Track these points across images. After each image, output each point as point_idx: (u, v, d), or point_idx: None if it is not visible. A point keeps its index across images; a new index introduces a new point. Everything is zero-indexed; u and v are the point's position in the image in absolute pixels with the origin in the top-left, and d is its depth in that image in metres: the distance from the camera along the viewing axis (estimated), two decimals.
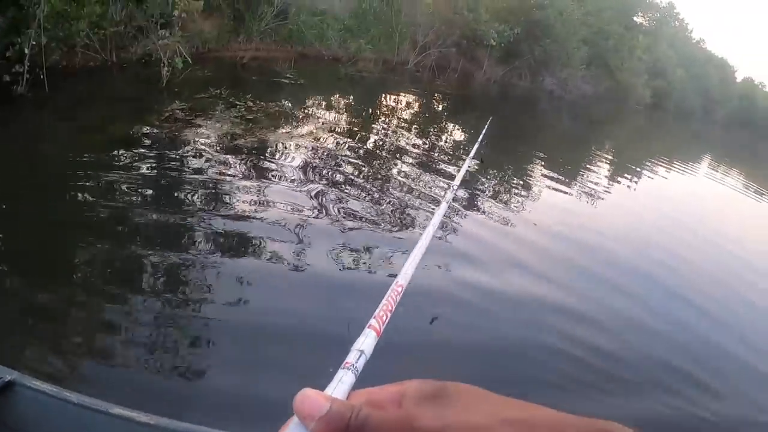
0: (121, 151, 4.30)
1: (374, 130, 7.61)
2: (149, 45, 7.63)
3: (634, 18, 37.31)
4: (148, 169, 4.09)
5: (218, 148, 4.96)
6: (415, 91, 11.53)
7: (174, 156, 4.49)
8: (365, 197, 4.72)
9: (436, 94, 11.79)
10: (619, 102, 22.98)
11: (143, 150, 4.45)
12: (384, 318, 0.41)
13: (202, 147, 4.88)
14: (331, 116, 7.79)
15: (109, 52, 7.29)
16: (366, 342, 0.38)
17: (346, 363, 0.36)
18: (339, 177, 5.06)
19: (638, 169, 11.94)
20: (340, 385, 0.33)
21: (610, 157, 12.51)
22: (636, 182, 10.66)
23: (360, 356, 0.36)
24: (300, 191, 4.40)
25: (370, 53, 12.06)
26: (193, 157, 4.58)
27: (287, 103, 7.60)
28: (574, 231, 5.85)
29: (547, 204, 6.56)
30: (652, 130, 25.05)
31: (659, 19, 39.14)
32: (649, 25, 38.29)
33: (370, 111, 9.01)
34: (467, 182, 5.93)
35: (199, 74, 7.59)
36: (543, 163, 9.26)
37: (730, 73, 56.03)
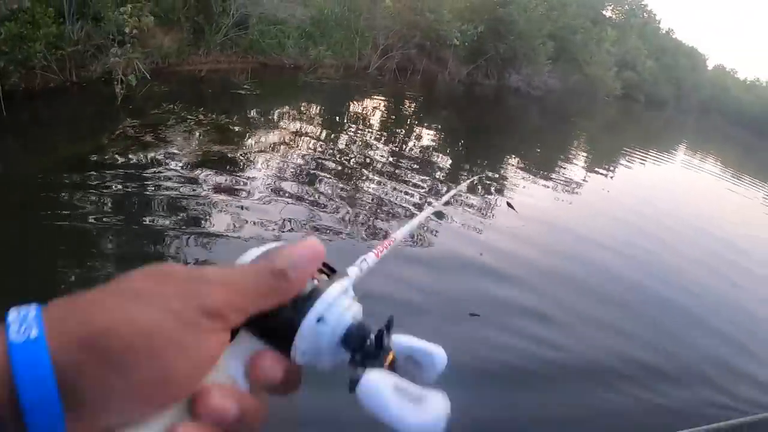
0: (73, 174, 4.46)
1: (329, 140, 7.78)
2: (108, 63, 7.73)
3: (603, 12, 37.92)
4: (98, 188, 4.24)
5: (167, 164, 5.13)
6: (376, 96, 11.74)
7: (124, 174, 4.65)
8: (332, 209, 4.92)
9: (398, 98, 11.96)
10: (589, 95, 23.38)
11: (93, 172, 4.60)
12: (380, 251, 0.53)
13: (151, 164, 5.05)
14: (284, 126, 7.98)
15: (68, 72, 7.39)
16: (369, 255, 0.50)
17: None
18: (297, 189, 5.24)
19: (614, 161, 12.39)
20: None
21: (584, 152, 12.89)
22: (613, 174, 11.14)
23: (364, 261, 0.47)
24: (253, 206, 4.57)
25: (331, 59, 12.22)
26: (142, 175, 4.74)
27: (238, 115, 7.73)
28: (553, 227, 6.19)
29: (523, 204, 6.86)
30: (625, 121, 25.56)
31: (628, 11, 39.78)
32: (618, 19, 38.91)
33: (324, 119, 9.12)
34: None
35: (157, 90, 7.73)
36: (517, 160, 9.57)
37: (701, 62, 56.91)
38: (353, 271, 0.44)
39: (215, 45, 10.52)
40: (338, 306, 0.37)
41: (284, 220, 4.44)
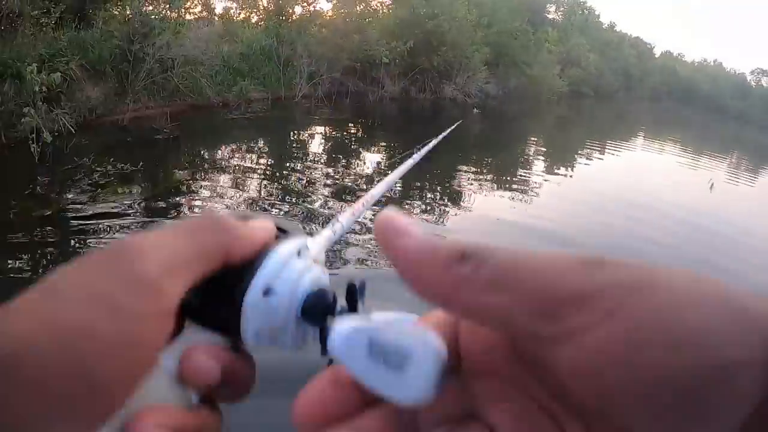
0: None
1: (239, 181, 7.53)
2: (33, 122, 7.66)
3: (547, 15, 38.92)
4: None
5: (61, 221, 5.06)
6: (304, 127, 11.75)
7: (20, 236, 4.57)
8: None
9: (328, 125, 11.84)
10: (533, 97, 23.80)
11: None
12: (357, 207, 0.51)
13: (41, 223, 4.95)
14: (194, 167, 7.85)
15: None
16: (343, 215, 0.45)
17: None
18: None
19: (572, 158, 12.51)
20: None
21: (537, 153, 13.06)
22: (572, 170, 11.24)
23: (336, 222, 0.41)
24: None
25: (259, 93, 12.29)
26: (33, 233, 4.66)
27: (147, 162, 7.57)
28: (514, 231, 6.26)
29: (480, 212, 7.00)
30: (576, 116, 26.05)
31: (568, 10, 40.86)
32: (561, 19, 40.00)
33: (238, 157, 8.83)
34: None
35: (78, 144, 7.63)
36: (469, 169, 9.60)
37: (647, 50, 58.41)
38: (325, 234, 0.37)
39: (141, 92, 10.52)
40: (289, 271, 0.30)
41: None
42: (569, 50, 33.33)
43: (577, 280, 0.20)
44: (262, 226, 0.31)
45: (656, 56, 62.81)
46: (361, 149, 10.67)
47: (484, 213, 7.02)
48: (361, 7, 14.43)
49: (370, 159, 9.60)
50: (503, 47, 21.10)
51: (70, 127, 8.16)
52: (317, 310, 0.30)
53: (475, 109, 16.64)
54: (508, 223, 6.67)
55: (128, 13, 9.79)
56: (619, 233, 6.87)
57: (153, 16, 10.23)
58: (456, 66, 16.95)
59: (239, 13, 15.88)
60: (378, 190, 0.58)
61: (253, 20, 15.46)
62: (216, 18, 15.83)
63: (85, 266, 0.26)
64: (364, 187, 7.63)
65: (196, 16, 15.64)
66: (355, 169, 8.85)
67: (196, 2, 15.98)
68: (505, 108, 20.13)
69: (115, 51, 9.95)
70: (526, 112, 21.42)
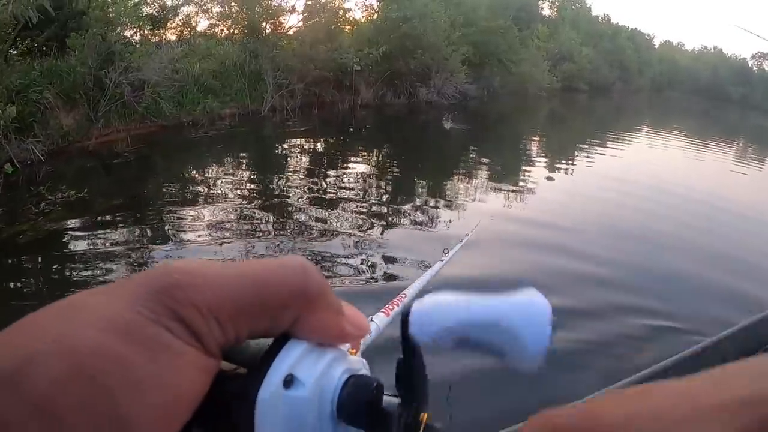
0: None
1: (187, 206, 7.21)
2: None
3: (541, 11, 38.88)
4: None
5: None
6: (269, 140, 11.75)
7: None
8: None
9: (293, 138, 11.77)
10: (519, 94, 23.66)
11: None
12: (390, 309, 0.48)
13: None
14: (142, 191, 7.78)
15: None
16: (378, 315, 0.42)
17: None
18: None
19: (572, 155, 12.40)
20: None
21: (535, 152, 12.91)
22: (573, 168, 11.05)
23: (371, 322, 0.37)
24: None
25: (230, 109, 12.34)
26: None
27: (98, 187, 7.58)
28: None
29: (481, 212, 6.96)
30: (571, 112, 25.82)
31: (560, 5, 40.73)
32: (555, 15, 39.90)
33: (191, 179, 8.63)
34: None
35: (46, 171, 7.68)
36: (464, 174, 9.60)
37: (645, 41, 57.96)
38: None
39: (112, 116, 10.62)
40: (319, 355, 0.24)
41: None
42: (561, 45, 33.15)
43: None
44: (358, 315, 0.26)
45: (656, 47, 62.41)
46: (332, 159, 10.65)
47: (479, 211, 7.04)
48: (327, 17, 14.38)
49: (341, 170, 9.56)
50: (486, 45, 21.00)
51: (39, 156, 8.29)
52: (358, 404, 0.23)
53: (449, 123, 14.89)
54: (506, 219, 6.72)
55: (100, 38, 9.83)
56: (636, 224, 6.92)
57: (115, 42, 10.29)
58: (434, 68, 16.86)
59: (221, 30, 15.96)
60: (412, 290, 0.56)
61: (224, 34, 15.50)
62: (194, 36, 15.90)
63: (115, 289, 0.22)
64: (337, 195, 7.60)
65: (176, 36, 15.89)
66: (324, 180, 8.77)
67: (176, 23, 16.26)
68: (488, 108, 19.96)
69: (87, 77, 10.04)
70: (511, 111, 21.30)
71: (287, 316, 0.23)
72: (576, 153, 12.61)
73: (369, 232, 6.09)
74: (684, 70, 58.18)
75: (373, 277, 4.72)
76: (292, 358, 0.23)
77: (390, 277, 4.70)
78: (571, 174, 10.37)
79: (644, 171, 10.66)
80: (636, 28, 55.12)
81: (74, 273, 4.77)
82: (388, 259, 5.12)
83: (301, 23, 14.52)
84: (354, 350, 0.26)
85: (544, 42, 30.20)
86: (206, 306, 0.21)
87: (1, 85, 8.30)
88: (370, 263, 5.03)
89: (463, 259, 4.30)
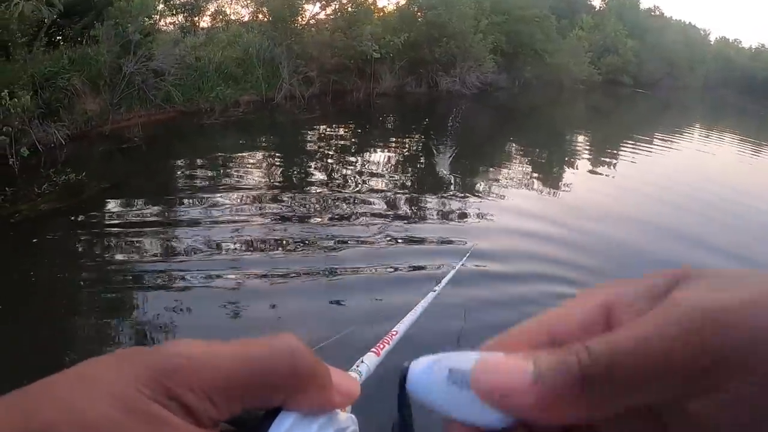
0: None
1: (181, 196, 7.01)
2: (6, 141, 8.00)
3: (590, 1, 37.84)
4: None
5: None
6: (283, 127, 11.70)
7: None
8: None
9: (309, 126, 11.69)
10: (554, 84, 22.91)
11: None
12: (381, 347, 0.45)
13: None
14: (133, 181, 7.71)
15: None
16: (368, 356, 0.41)
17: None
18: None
19: (618, 152, 12.06)
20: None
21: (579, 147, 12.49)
22: (615, 167, 10.74)
23: (361, 363, 0.37)
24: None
25: (249, 96, 12.42)
26: None
27: (98, 173, 7.55)
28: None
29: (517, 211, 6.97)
30: (614, 107, 24.49)
31: None
32: (601, 6, 38.71)
33: (188, 166, 8.56)
34: None
35: (63, 155, 7.89)
36: (498, 170, 9.49)
37: (699, 36, 55.56)
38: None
39: (133, 101, 10.86)
40: (306, 426, 0.25)
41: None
42: (606, 37, 32.09)
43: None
44: (348, 382, 0.28)
45: (711, 43, 59.70)
46: (350, 147, 10.58)
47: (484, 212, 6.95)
48: (351, 6, 14.25)
49: (356, 157, 9.50)
50: (519, 35, 20.46)
51: (61, 140, 8.54)
52: None
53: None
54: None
55: (120, 28, 10.09)
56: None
57: (134, 31, 10.44)
58: (459, 56, 16.50)
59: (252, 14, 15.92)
60: (401, 327, 0.53)
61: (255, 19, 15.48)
62: (226, 23, 16.04)
63: (119, 362, 0.24)
64: (346, 188, 7.56)
65: (209, 25, 16.10)
66: (338, 170, 8.69)
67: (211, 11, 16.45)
68: (519, 100, 19.32)
69: (111, 64, 10.29)
70: (544, 104, 20.55)
71: (278, 395, 0.25)
72: (611, 155, 11.99)
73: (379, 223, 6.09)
74: (740, 69, 55.40)
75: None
76: (282, 429, 0.25)
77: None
78: (607, 178, 9.89)
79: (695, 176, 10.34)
80: (690, 23, 52.91)
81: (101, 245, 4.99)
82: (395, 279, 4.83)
83: (321, 13, 14.43)
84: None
85: (587, 33, 29.28)
86: (201, 389, 0.23)
87: (25, 74, 8.52)
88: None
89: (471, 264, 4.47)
